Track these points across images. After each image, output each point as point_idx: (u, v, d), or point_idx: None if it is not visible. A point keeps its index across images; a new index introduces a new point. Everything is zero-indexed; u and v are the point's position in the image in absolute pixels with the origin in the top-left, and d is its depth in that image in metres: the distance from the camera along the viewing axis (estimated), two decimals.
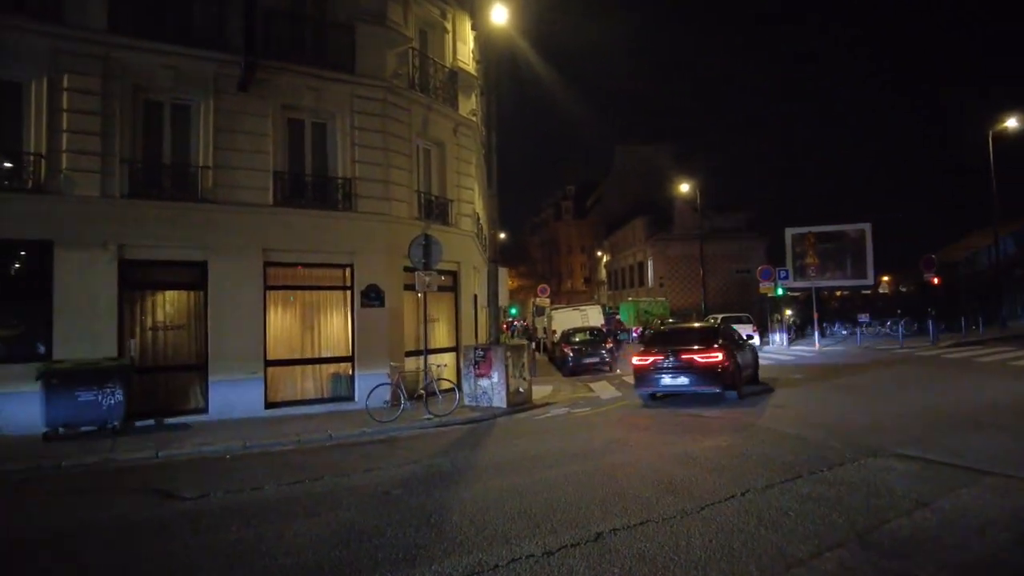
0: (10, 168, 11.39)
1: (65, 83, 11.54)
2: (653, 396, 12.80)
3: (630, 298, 51.10)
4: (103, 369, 10.65)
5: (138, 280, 12.20)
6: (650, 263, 54.37)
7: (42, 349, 11.15)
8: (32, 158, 11.36)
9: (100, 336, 11.48)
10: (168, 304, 12.73)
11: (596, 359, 20.37)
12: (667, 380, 12.22)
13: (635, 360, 12.85)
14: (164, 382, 12.45)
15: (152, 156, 12.51)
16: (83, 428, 10.48)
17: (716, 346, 12.25)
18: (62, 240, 11.33)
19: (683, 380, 12.09)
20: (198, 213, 12.54)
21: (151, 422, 11.65)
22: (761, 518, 5.20)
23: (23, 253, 11.41)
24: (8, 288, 11.43)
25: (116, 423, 10.65)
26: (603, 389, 15.64)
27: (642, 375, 12.59)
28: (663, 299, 45.72)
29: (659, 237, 52.78)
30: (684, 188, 44.67)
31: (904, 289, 46.62)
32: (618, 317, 34.39)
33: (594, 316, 27.02)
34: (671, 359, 12.20)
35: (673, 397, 12.91)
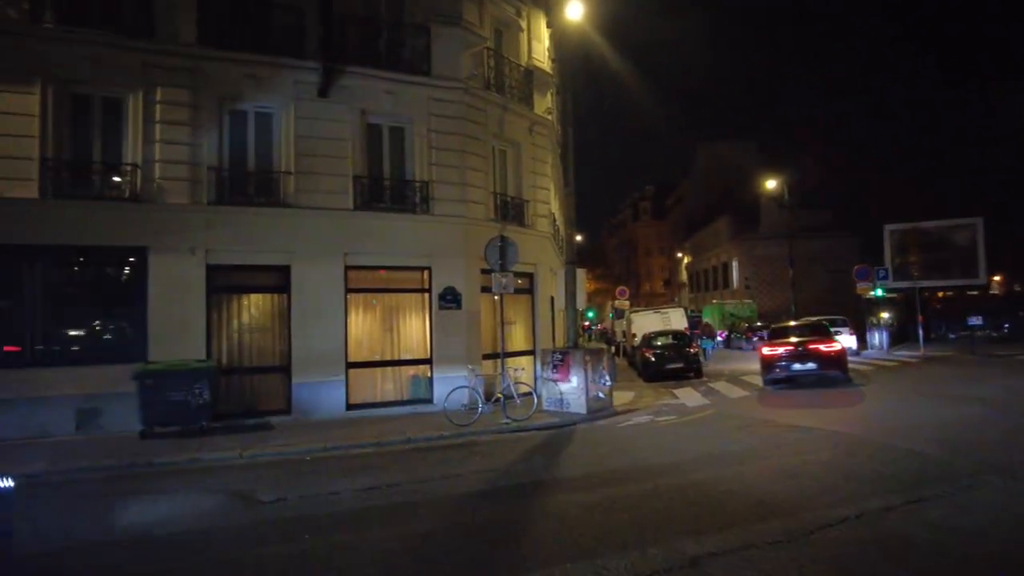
0: (111, 179, 11.99)
1: (158, 96, 12.05)
2: (775, 382, 14.90)
3: (714, 300, 49.27)
4: (192, 370, 10.98)
5: (225, 284, 12.58)
6: (735, 264, 52.22)
7: (138, 351, 11.62)
8: (129, 168, 11.92)
9: (189, 338, 11.88)
10: (253, 307, 13.07)
11: (680, 364, 19.52)
12: (797, 366, 14.48)
13: (765, 351, 15.24)
14: (249, 383, 12.77)
15: (237, 163, 12.88)
16: (174, 427, 10.83)
17: (833, 338, 15.20)
18: (155, 246, 11.82)
19: (811, 365, 14.41)
20: (281, 218, 12.81)
21: (237, 422, 11.93)
22: (884, 548, 4.54)
23: (122, 259, 11.99)
24: (109, 293, 12.11)
25: (204, 423, 10.95)
26: (688, 396, 14.88)
27: (771, 363, 14.82)
28: (750, 301, 43.71)
29: (744, 237, 50.56)
30: (771, 184, 42.65)
31: (1020, 289, 42.61)
32: (707, 321, 32.80)
33: (676, 319, 26.07)
34: (800, 348, 14.58)
35: (782, 394, 13.83)
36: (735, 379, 17.73)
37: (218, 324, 12.52)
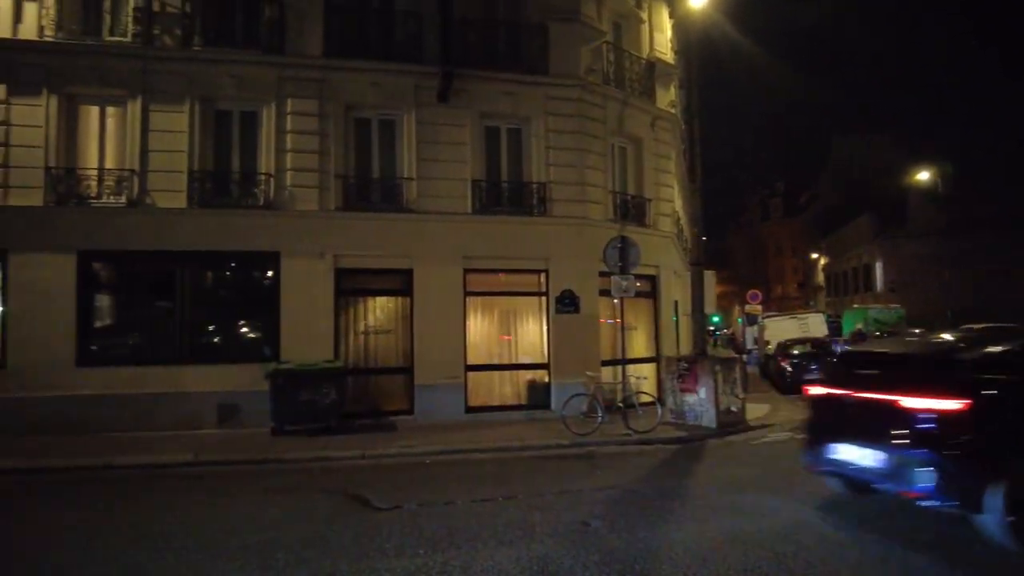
0: (247, 188, 12.74)
1: (289, 107, 12.64)
2: None
3: (855, 305, 45.23)
4: (321, 371, 11.35)
5: (351, 287, 12.98)
6: (878, 265, 47.79)
7: (272, 351, 12.22)
8: (263, 177, 12.59)
9: (318, 339, 12.32)
10: (378, 309, 13.39)
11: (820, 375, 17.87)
12: None
13: None
14: (374, 383, 13.08)
15: (362, 170, 13.25)
16: (304, 425, 11.21)
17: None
18: (287, 251, 12.40)
19: None
20: (404, 223, 13.02)
21: (361, 422, 12.19)
22: None
23: (257, 263, 12.69)
24: (246, 295, 12.92)
25: (331, 422, 11.27)
26: None
27: None
28: (897, 306, 39.57)
29: (889, 235, 46.10)
30: (922, 177, 38.59)
31: None
32: (860, 327, 29.84)
33: (815, 325, 24.06)
34: None
35: None
36: None
37: (345, 326, 12.92)
